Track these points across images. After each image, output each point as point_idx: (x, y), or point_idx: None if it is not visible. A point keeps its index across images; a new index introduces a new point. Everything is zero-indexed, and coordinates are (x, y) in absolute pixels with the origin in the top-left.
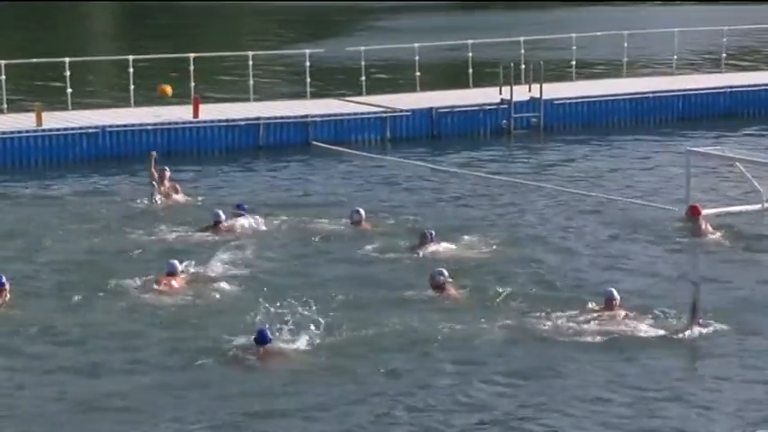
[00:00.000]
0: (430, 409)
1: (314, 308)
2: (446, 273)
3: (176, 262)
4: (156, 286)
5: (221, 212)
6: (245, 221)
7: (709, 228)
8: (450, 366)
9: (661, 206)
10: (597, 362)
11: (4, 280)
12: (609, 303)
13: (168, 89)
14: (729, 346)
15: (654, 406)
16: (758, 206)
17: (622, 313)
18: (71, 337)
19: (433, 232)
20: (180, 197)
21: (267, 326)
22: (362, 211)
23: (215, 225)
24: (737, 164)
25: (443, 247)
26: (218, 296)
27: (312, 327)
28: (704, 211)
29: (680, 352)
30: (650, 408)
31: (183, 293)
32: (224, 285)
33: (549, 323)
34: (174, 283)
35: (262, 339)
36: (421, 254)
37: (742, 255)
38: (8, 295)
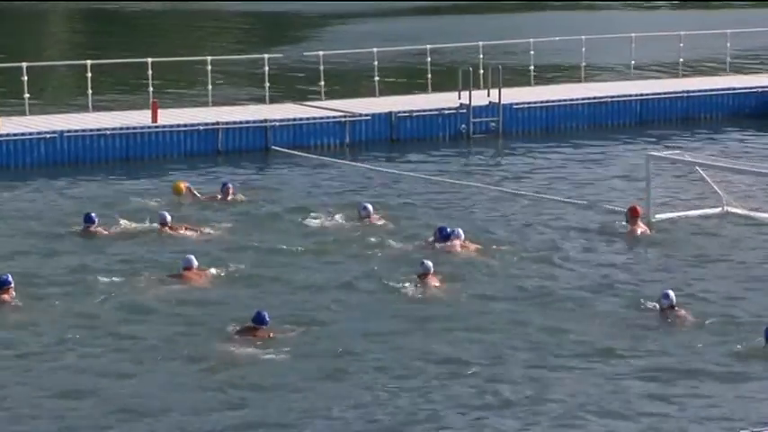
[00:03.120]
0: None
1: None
2: (431, 264)
3: (192, 257)
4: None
5: (167, 214)
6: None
7: (648, 229)
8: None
9: (610, 208)
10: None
11: (10, 278)
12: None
13: (182, 186)
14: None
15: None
16: (718, 210)
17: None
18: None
19: (457, 230)
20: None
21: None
22: (370, 207)
23: (162, 226)
24: (698, 168)
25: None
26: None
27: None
28: (666, 215)
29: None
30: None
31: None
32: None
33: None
34: (192, 276)
35: (259, 320)
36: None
37: (681, 255)
38: (14, 293)
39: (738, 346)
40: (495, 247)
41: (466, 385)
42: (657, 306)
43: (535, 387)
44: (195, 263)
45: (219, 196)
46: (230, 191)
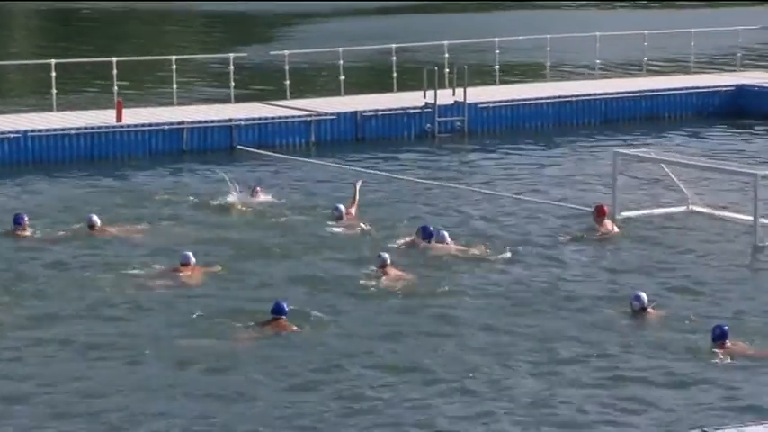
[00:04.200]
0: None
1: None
2: (388, 256)
3: (190, 253)
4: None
5: (95, 217)
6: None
7: (615, 227)
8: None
9: (577, 207)
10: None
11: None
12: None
13: None
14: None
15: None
16: (683, 208)
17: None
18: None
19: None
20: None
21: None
22: (342, 207)
23: (90, 228)
24: (664, 166)
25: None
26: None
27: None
28: (631, 213)
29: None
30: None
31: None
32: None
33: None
34: (188, 272)
35: (278, 310)
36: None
37: (646, 253)
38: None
39: (703, 346)
40: (461, 246)
41: (415, 383)
42: (630, 308)
43: (490, 388)
44: (192, 260)
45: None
46: (258, 191)
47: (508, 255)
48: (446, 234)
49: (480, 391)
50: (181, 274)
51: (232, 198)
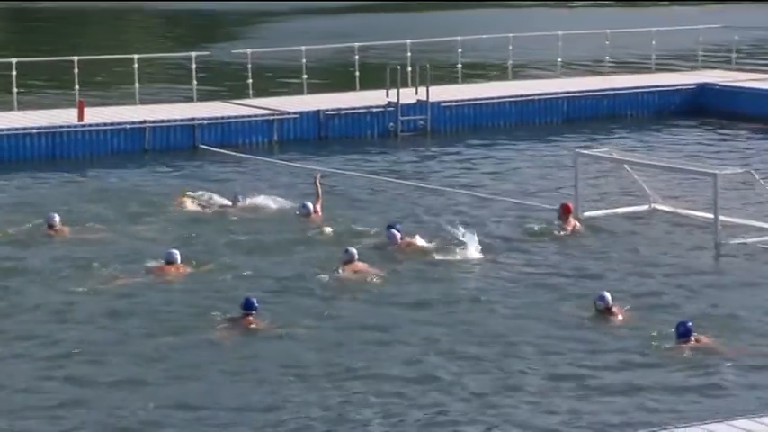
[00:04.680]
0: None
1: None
2: (355, 251)
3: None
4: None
5: (56, 216)
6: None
7: (579, 226)
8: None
9: (539, 205)
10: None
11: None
12: None
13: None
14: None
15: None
16: (646, 207)
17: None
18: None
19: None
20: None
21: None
22: (310, 205)
23: (49, 227)
24: (626, 166)
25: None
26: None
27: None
28: (594, 213)
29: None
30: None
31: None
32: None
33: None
34: (173, 270)
35: (248, 306)
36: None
37: (610, 251)
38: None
39: (667, 344)
40: (426, 244)
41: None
42: (594, 308)
43: (449, 386)
44: (178, 258)
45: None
46: (238, 202)
47: (472, 253)
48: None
49: (441, 389)
50: (155, 273)
51: (207, 202)
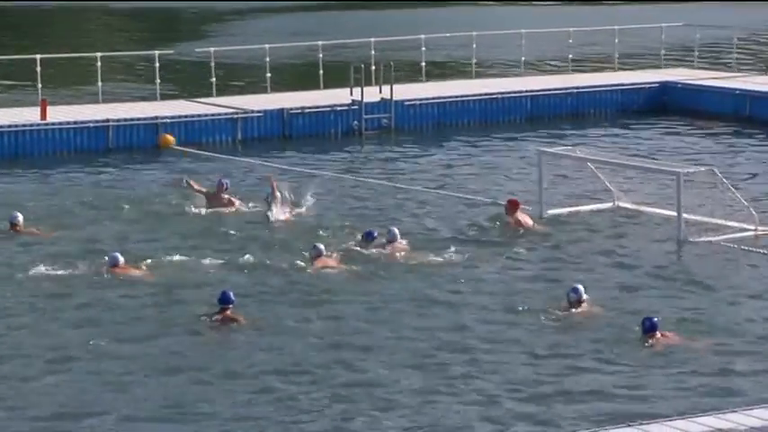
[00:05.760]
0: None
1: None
2: (323, 247)
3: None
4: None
5: (18, 215)
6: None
7: (529, 220)
8: None
9: (504, 204)
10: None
11: None
12: None
13: (170, 139)
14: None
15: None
16: (609, 204)
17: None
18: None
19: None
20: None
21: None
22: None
23: (12, 227)
24: (589, 164)
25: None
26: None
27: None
28: (557, 210)
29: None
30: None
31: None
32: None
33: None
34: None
35: (225, 300)
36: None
37: (573, 248)
38: None
39: (634, 338)
40: (385, 243)
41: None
42: (566, 300)
43: (403, 387)
44: (121, 260)
45: (213, 191)
46: (224, 186)
47: (434, 253)
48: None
49: (399, 388)
50: (112, 273)
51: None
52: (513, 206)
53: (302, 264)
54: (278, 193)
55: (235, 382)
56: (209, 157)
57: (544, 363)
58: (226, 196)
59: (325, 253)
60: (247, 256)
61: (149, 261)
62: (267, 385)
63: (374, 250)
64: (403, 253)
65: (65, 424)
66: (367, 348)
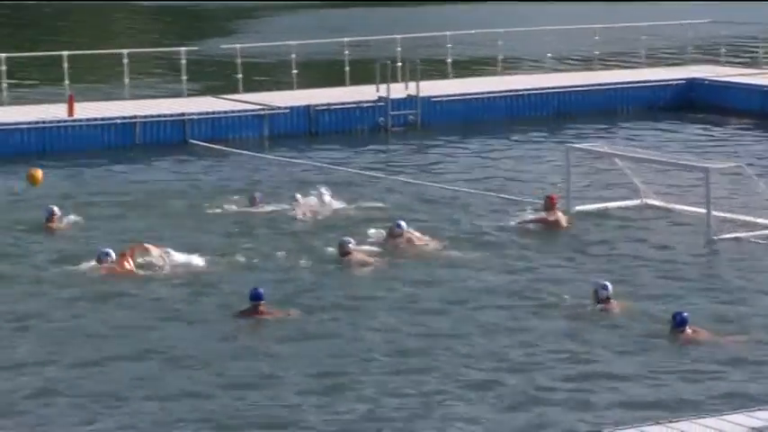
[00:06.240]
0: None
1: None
2: (353, 241)
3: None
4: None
5: (55, 208)
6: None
7: (566, 220)
8: None
9: (529, 200)
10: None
11: None
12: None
13: (38, 174)
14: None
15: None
16: (637, 202)
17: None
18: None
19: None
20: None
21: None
22: (300, 198)
23: (48, 220)
24: (617, 160)
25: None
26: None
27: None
28: (585, 207)
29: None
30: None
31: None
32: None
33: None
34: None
35: (256, 296)
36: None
37: (602, 245)
38: None
39: (664, 333)
40: (421, 239)
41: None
42: (593, 297)
43: (437, 375)
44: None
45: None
46: (257, 200)
47: (463, 249)
48: (400, 227)
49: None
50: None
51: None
52: (551, 202)
53: (331, 258)
54: (303, 200)
55: (270, 376)
56: (236, 154)
57: (572, 359)
58: (261, 210)
59: (353, 247)
60: (276, 252)
61: (177, 257)
62: (302, 379)
63: (398, 244)
64: (426, 248)
65: (101, 419)
66: (399, 342)
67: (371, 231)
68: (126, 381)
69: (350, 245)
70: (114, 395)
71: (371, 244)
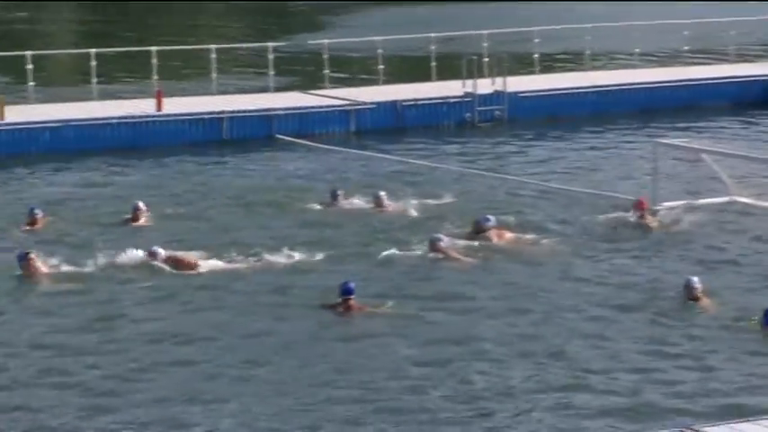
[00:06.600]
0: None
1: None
2: (444, 237)
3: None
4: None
5: (140, 203)
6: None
7: (655, 219)
8: None
9: (617, 196)
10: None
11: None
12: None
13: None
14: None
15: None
16: (725, 198)
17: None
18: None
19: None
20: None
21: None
22: (384, 195)
23: (132, 215)
24: (705, 156)
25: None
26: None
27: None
28: (672, 203)
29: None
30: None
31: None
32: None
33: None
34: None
35: (347, 291)
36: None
37: (690, 242)
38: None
39: (748, 330)
40: (511, 234)
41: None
42: (684, 293)
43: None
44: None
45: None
46: (338, 196)
47: (551, 245)
48: (489, 221)
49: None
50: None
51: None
52: (641, 207)
53: (418, 253)
54: (386, 195)
55: (363, 372)
56: (322, 149)
57: (662, 354)
58: (341, 206)
59: (444, 244)
60: (362, 248)
61: (263, 253)
62: (397, 373)
63: (486, 239)
64: (514, 244)
65: (188, 411)
66: (490, 340)
67: (451, 227)
68: (220, 375)
69: (440, 242)
70: (208, 391)
71: (459, 239)
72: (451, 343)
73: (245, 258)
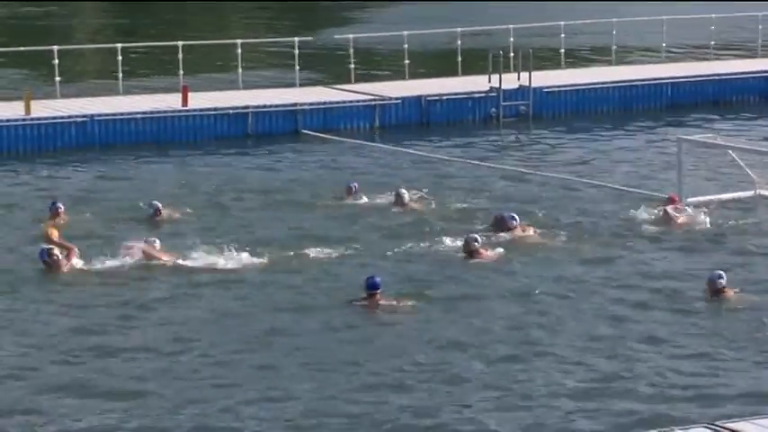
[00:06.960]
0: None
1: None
2: (479, 238)
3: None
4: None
5: (159, 204)
6: None
7: (682, 214)
8: None
9: (643, 192)
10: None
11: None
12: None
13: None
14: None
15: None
16: (751, 193)
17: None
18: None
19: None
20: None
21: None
22: (405, 192)
23: (155, 214)
24: (730, 151)
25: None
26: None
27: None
28: (698, 198)
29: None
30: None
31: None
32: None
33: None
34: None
35: (373, 286)
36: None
37: (717, 237)
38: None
39: None
40: (536, 231)
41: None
42: (709, 286)
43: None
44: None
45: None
46: (353, 190)
47: (576, 241)
48: (513, 220)
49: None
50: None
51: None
52: (671, 202)
53: (446, 250)
54: (407, 191)
55: (389, 367)
56: (348, 144)
57: (687, 348)
58: (357, 201)
59: (479, 242)
60: (386, 243)
61: (288, 247)
62: (424, 368)
63: (511, 236)
64: (540, 241)
65: (210, 408)
66: (515, 335)
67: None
68: (244, 369)
69: (476, 242)
70: (229, 384)
71: (483, 235)
72: (474, 342)
73: (269, 253)
